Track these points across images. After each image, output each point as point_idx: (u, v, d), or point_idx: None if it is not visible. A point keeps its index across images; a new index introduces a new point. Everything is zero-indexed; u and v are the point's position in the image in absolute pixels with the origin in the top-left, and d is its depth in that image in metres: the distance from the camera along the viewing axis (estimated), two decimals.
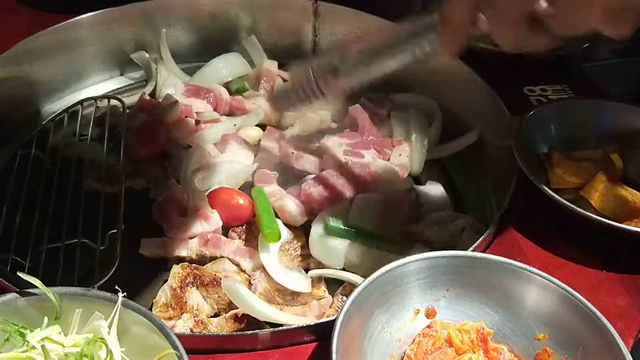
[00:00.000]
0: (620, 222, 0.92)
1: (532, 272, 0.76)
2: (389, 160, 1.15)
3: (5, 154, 1.16)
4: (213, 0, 1.36)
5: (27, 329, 0.69)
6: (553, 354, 0.74)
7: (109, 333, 0.68)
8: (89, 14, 1.27)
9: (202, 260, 0.97)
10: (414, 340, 0.77)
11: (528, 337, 0.77)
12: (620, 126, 1.04)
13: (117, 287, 0.71)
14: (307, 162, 1.11)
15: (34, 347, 0.68)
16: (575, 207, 0.89)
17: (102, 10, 1.27)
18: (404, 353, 0.76)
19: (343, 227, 0.96)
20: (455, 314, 0.79)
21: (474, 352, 0.75)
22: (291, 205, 1.01)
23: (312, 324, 0.78)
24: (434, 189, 1.11)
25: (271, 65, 1.30)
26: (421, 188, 1.11)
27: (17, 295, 0.71)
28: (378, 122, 1.24)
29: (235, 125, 1.18)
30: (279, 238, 0.95)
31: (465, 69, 1.18)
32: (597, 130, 1.05)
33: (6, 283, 0.78)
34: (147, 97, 1.24)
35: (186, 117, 1.18)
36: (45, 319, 0.70)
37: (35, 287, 0.70)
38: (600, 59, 1.48)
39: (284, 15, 1.36)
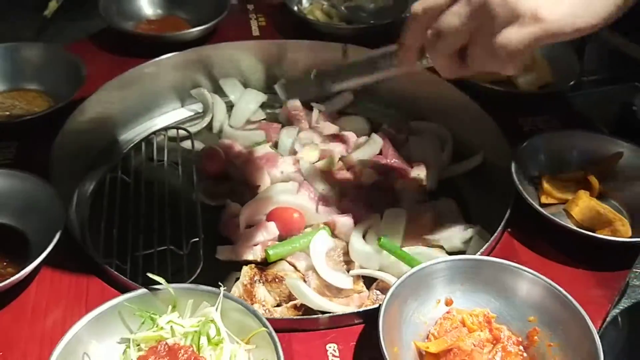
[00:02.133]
0: (595, 231, 1.12)
1: (524, 270, 0.96)
2: (409, 179, 1.35)
3: (94, 178, 1.37)
4: (255, 45, 1.57)
5: (156, 314, 0.91)
6: (540, 332, 0.93)
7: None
8: (158, 58, 1.47)
9: (265, 262, 1.18)
10: (436, 322, 0.97)
11: (522, 320, 0.96)
12: (597, 152, 1.23)
13: (219, 283, 0.94)
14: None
15: (162, 328, 0.89)
16: (557, 219, 1.08)
17: (167, 55, 1.48)
18: (429, 332, 0.96)
19: (395, 247, 1.15)
20: (467, 303, 0.98)
21: (482, 331, 0.94)
22: (347, 222, 1.23)
23: (360, 310, 0.99)
24: (447, 204, 1.31)
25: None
26: (437, 203, 1.31)
27: (146, 290, 0.92)
28: (397, 145, 1.43)
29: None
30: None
31: (472, 103, 1.37)
32: (579, 156, 1.23)
33: (131, 282, 0.98)
34: None
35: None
36: (169, 307, 0.92)
37: (158, 282, 0.93)
38: (585, 89, 1.71)
39: (318, 55, 1.54)
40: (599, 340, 0.89)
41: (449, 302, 1.00)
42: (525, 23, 0.79)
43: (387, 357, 0.85)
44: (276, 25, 1.65)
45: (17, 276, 0.94)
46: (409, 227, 1.23)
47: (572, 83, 1.41)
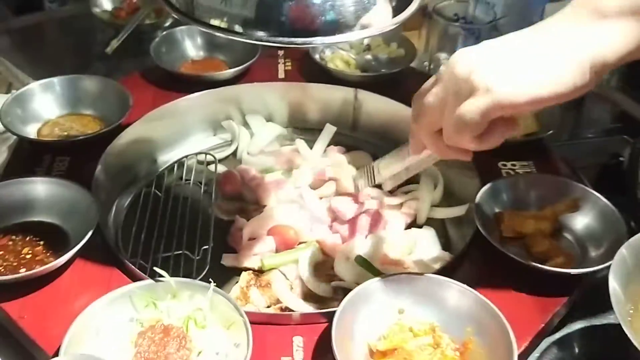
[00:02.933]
0: (545, 262, 1.26)
1: (461, 286, 1.13)
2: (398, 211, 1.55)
3: (132, 191, 1.61)
4: (280, 86, 1.79)
5: (157, 300, 1.13)
6: (474, 340, 1.10)
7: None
8: (194, 94, 1.69)
9: (261, 270, 1.38)
10: (387, 327, 1.13)
11: (460, 329, 1.10)
12: (556, 194, 1.37)
13: (210, 280, 1.15)
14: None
15: (161, 311, 1.11)
16: (505, 251, 1.23)
17: (202, 92, 1.70)
18: (380, 334, 1.13)
19: (369, 263, 1.35)
20: (417, 313, 1.14)
21: (427, 337, 1.12)
22: (335, 242, 1.43)
23: (324, 311, 1.16)
24: (428, 232, 1.50)
25: None
26: (418, 231, 1.50)
27: (153, 281, 1.14)
28: None
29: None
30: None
31: None
32: (539, 197, 1.38)
33: (145, 275, 1.20)
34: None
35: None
36: (168, 296, 1.14)
37: (163, 276, 1.15)
38: (579, 140, 1.88)
39: (332, 98, 1.77)
40: (516, 349, 1.04)
41: (399, 311, 1.16)
42: (478, 95, 0.82)
43: (335, 347, 1.04)
44: (300, 70, 1.85)
45: (52, 263, 1.18)
46: (390, 251, 1.42)
47: (550, 132, 1.55)
